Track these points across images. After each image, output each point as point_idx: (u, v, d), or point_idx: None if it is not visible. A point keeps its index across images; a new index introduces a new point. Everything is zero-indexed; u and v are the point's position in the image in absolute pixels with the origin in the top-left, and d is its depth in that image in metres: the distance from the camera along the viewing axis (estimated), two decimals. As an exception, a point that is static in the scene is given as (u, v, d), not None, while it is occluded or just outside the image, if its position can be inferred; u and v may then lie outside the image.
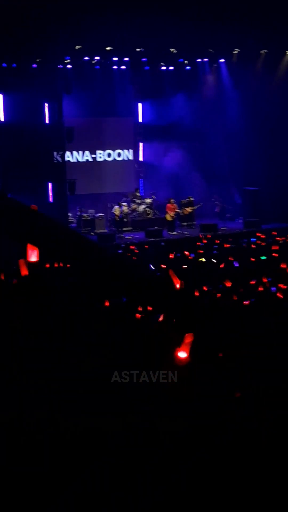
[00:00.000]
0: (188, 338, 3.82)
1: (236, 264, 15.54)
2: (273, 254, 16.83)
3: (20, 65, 20.81)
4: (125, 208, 23.18)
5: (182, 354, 3.69)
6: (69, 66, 21.82)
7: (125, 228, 23.00)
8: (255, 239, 20.73)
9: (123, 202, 23.45)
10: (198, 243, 19.98)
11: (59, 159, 21.83)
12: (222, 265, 15.55)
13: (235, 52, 23.61)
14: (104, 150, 24.92)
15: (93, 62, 22.36)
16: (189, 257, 17.16)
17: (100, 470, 2.40)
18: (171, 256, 17.18)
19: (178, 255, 17.59)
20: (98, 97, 23.45)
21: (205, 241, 20.38)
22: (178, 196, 24.15)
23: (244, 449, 2.61)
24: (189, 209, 24.00)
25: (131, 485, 2.35)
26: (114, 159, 25.18)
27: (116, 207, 22.97)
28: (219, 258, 16.85)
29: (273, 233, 21.09)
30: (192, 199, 24.29)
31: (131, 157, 25.50)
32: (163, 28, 20.51)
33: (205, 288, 12.09)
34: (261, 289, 12.62)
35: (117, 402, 2.95)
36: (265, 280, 12.93)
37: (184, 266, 15.66)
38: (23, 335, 3.03)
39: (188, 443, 2.58)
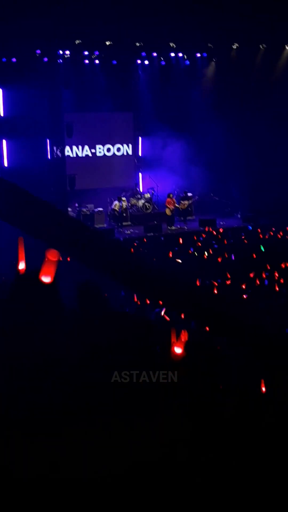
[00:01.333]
0: (184, 335, 3.89)
1: (233, 257, 15.68)
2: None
3: (20, 60, 20.79)
4: (124, 203, 23.21)
5: (178, 350, 3.78)
6: (68, 61, 21.81)
7: (124, 223, 23.03)
8: (250, 227, 20.89)
9: (123, 197, 23.47)
10: (195, 237, 20.10)
11: (59, 154, 21.85)
12: (219, 259, 15.67)
13: (234, 47, 23.62)
14: (103, 145, 24.91)
15: (93, 56, 22.36)
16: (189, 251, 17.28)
17: None
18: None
19: (176, 249, 17.69)
20: (98, 92, 23.41)
21: (204, 235, 20.47)
22: (177, 190, 24.20)
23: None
24: (185, 203, 24.03)
25: None
26: (114, 154, 25.17)
27: (116, 202, 23.00)
28: (218, 253, 16.96)
29: (273, 229, 21.19)
30: (189, 194, 24.32)
31: (130, 152, 25.50)
32: (162, 23, 20.51)
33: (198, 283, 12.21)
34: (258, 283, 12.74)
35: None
36: (264, 276, 13.05)
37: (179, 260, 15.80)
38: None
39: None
